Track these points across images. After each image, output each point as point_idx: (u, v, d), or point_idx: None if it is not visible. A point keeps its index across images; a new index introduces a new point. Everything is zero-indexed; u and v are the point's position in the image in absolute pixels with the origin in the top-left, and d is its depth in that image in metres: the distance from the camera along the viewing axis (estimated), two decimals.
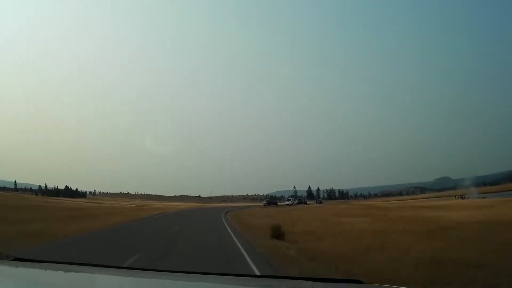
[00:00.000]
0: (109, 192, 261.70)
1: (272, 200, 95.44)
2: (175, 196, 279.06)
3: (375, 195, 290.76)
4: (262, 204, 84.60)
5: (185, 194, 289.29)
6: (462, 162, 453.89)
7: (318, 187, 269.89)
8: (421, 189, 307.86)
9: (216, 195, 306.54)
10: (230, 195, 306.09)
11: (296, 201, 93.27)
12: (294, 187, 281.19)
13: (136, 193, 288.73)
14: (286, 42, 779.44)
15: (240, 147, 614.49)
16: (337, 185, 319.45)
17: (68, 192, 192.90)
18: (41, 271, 2.40)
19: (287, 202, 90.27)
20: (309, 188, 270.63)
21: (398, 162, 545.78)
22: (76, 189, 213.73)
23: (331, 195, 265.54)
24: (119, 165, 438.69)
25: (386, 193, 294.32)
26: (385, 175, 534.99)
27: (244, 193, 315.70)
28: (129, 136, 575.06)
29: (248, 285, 2.32)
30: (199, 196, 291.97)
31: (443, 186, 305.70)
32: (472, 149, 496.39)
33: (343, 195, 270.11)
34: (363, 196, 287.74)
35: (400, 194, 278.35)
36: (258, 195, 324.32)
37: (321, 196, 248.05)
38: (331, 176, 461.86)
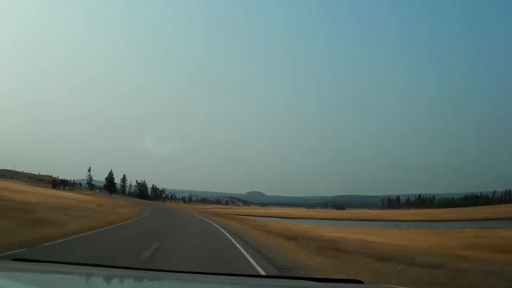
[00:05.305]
0: None
1: None
2: None
3: (202, 200, 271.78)
4: None
5: None
6: (274, 181, 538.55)
7: (124, 175, 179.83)
8: (238, 200, 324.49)
9: None
10: None
11: None
12: (89, 169, 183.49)
13: None
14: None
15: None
16: (150, 180, 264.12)
17: None
18: (41, 271, 2.33)
19: None
20: (111, 174, 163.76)
21: (213, 174, 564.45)
22: None
23: (143, 190, 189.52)
24: None
25: (203, 199, 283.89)
26: (198, 182, 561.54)
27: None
28: None
29: (248, 285, 2.29)
30: None
31: (255, 200, 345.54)
32: (283, 172, 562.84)
33: (157, 194, 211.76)
34: (184, 200, 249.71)
35: (219, 202, 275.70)
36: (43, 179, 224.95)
37: (128, 190, 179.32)
38: (139, 169, 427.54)
